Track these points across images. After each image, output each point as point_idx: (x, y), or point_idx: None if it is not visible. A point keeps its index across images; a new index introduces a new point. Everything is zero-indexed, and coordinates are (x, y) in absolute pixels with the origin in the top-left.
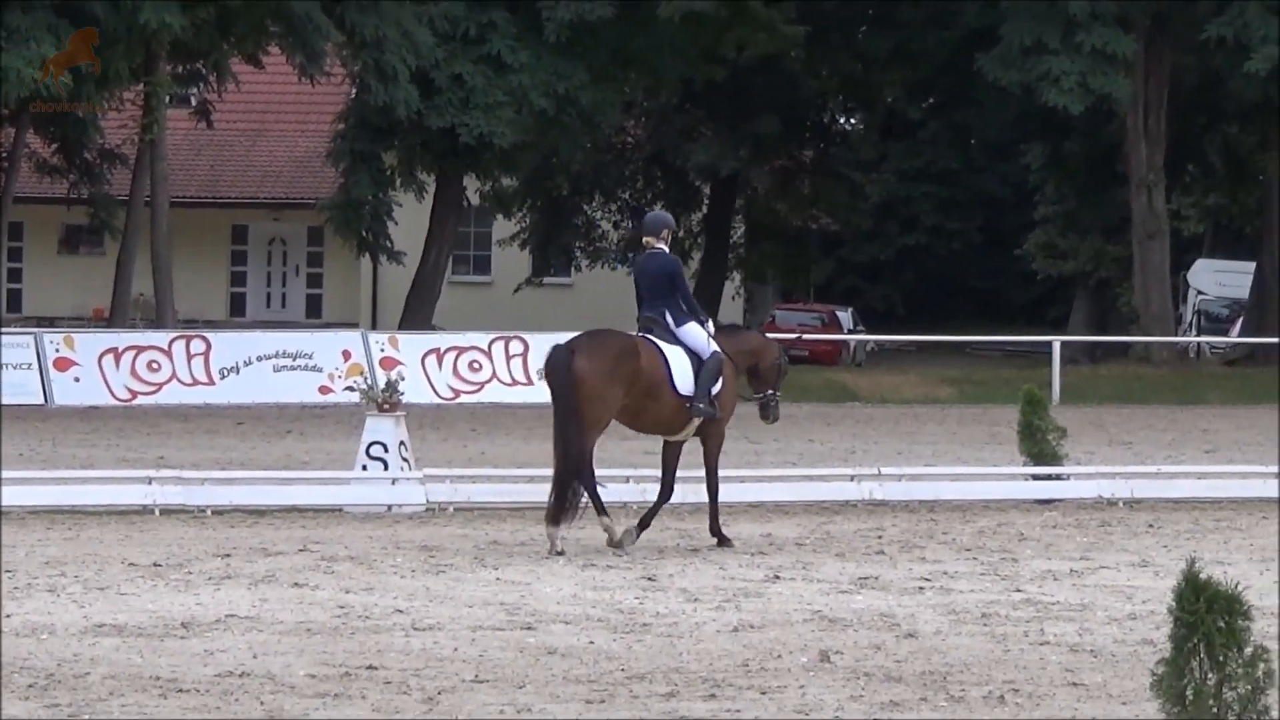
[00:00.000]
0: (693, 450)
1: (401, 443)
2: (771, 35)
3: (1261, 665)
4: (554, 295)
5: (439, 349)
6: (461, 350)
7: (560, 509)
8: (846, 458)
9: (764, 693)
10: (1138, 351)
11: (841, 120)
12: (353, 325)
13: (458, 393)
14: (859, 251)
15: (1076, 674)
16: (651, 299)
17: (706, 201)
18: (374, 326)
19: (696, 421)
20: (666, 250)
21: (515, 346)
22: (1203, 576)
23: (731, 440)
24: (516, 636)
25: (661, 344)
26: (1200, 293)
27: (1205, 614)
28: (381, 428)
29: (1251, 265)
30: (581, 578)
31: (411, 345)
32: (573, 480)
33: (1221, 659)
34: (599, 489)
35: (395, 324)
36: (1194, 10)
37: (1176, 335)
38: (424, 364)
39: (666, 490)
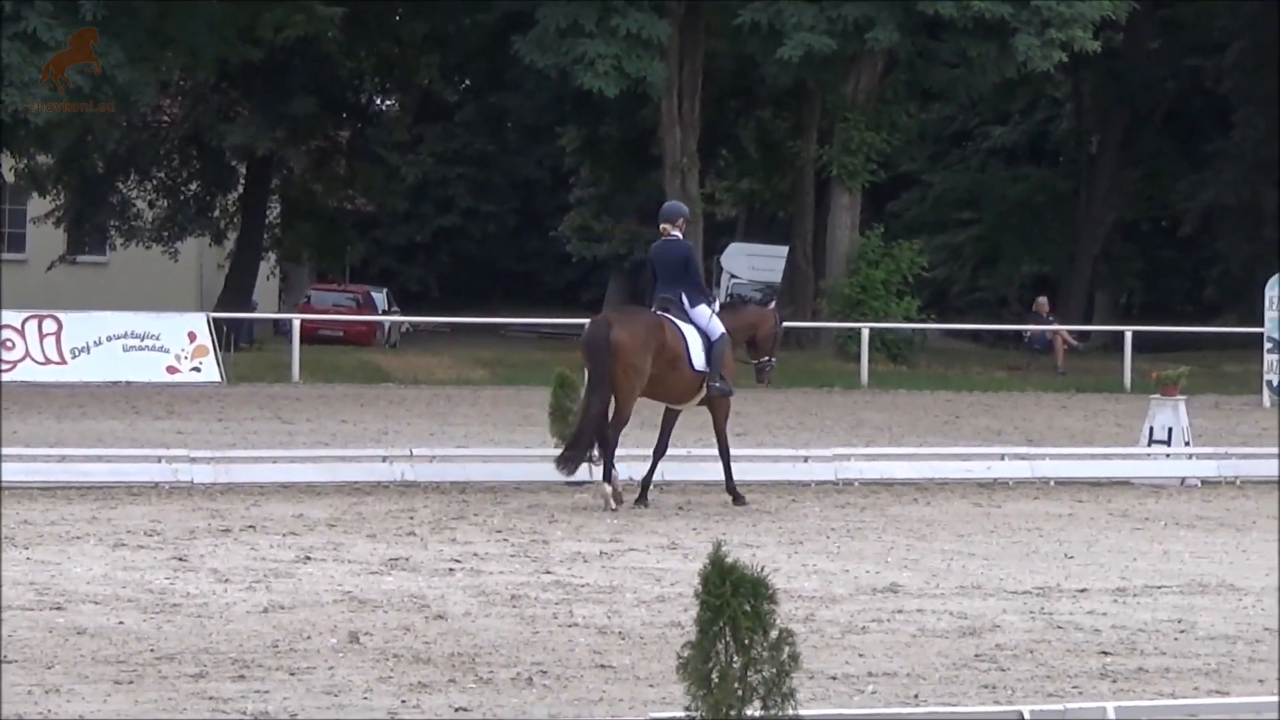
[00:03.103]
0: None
1: None
2: (308, 16)
3: (786, 649)
4: (89, 274)
5: None
6: None
7: (576, 458)
8: (379, 438)
9: (293, 674)
10: None
11: (378, 101)
12: None
13: None
14: (394, 233)
15: (604, 656)
16: (667, 281)
17: (242, 181)
18: None
19: (703, 393)
20: (681, 236)
21: (49, 325)
22: (729, 560)
23: (264, 420)
24: (46, 617)
25: (679, 322)
26: (733, 276)
27: (731, 597)
28: None
29: (784, 249)
30: (112, 558)
31: None
32: (593, 437)
33: (746, 642)
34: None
35: None
36: None
37: None
38: None
39: (661, 449)
